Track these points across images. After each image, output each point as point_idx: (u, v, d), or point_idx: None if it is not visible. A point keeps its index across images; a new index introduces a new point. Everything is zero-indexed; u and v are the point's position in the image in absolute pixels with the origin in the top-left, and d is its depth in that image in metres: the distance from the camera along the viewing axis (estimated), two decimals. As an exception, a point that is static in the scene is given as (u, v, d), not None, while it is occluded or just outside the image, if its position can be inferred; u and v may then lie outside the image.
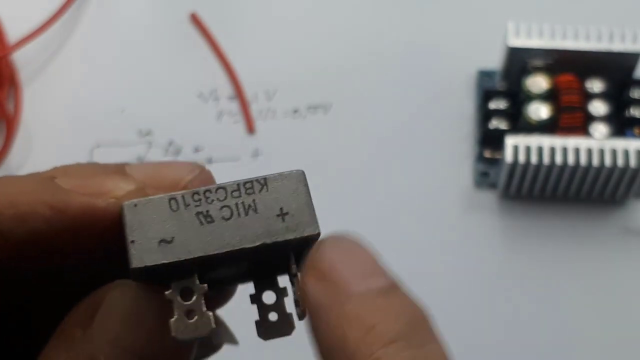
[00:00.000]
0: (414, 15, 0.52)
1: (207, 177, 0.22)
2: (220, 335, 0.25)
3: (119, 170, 0.22)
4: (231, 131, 0.48)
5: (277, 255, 0.21)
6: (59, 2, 0.51)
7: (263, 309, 0.21)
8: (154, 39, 0.52)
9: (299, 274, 0.20)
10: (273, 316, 0.21)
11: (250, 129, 0.48)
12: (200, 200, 0.20)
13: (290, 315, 0.21)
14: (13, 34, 0.50)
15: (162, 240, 0.20)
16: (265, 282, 0.22)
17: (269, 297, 0.21)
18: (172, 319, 0.19)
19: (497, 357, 0.43)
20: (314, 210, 0.20)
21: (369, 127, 0.48)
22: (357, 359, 0.18)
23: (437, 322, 0.20)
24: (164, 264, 0.19)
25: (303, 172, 0.21)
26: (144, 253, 0.20)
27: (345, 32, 0.51)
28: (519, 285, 0.44)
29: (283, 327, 0.21)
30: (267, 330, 0.21)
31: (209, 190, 0.20)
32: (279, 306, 0.21)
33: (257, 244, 0.20)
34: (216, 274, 0.21)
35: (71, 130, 0.48)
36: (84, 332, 0.20)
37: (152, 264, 0.19)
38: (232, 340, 0.26)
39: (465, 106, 0.48)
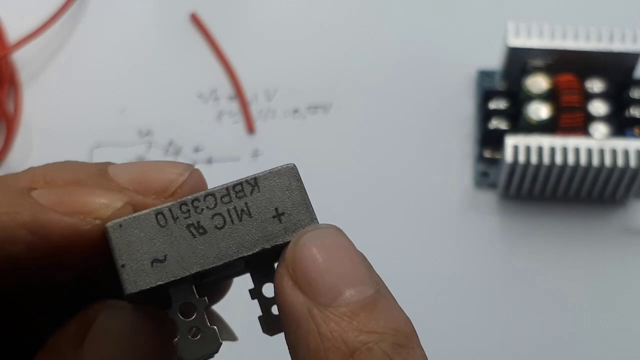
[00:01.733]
0: (414, 15, 0.52)
1: (198, 179, 0.20)
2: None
3: (102, 173, 0.20)
4: (231, 131, 0.48)
5: (273, 253, 0.20)
6: (59, 2, 0.51)
7: (265, 303, 0.20)
8: (154, 39, 0.52)
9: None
10: (276, 309, 0.20)
11: (250, 129, 0.48)
12: (189, 211, 0.19)
13: None
14: (13, 34, 0.50)
15: (155, 260, 0.19)
16: (262, 273, 0.20)
17: (269, 289, 0.20)
18: (177, 339, 0.19)
19: (497, 357, 0.43)
20: (311, 206, 0.19)
21: (369, 127, 0.48)
22: None
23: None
24: (159, 285, 0.19)
25: (295, 166, 0.20)
26: (137, 276, 0.18)
27: (346, 33, 0.51)
28: (519, 285, 0.44)
29: None
30: (272, 325, 0.20)
31: (197, 200, 0.19)
32: None
33: (256, 250, 0.19)
34: (212, 277, 0.20)
35: (71, 130, 0.48)
36: (74, 353, 0.19)
37: (147, 288, 0.18)
38: (231, 336, 0.24)
39: (465, 106, 0.48)
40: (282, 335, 0.20)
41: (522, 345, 0.43)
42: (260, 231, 0.19)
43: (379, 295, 0.18)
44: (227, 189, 0.19)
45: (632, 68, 0.46)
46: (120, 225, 0.19)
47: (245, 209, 0.19)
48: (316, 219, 0.19)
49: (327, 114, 0.49)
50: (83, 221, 0.19)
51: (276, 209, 0.19)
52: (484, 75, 0.49)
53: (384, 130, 0.48)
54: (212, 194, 0.19)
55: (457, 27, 0.51)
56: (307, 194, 0.19)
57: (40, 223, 0.19)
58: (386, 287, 0.19)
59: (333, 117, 0.49)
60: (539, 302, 0.44)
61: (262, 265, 0.20)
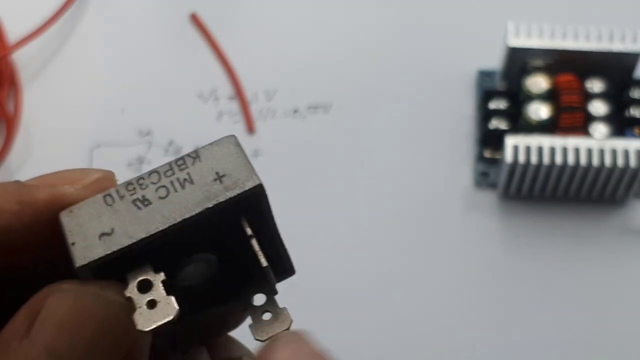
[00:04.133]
0: (414, 15, 0.52)
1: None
2: None
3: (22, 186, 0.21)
4: (231, 131, 0.47)
5: (232, 231, 0.20)
6: (59, 2, 0.51)
7: (255, 312, 0.21)
8: (154, 39, 0.52)
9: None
10: (267, 316, 0.21)
11: (250, 129, 0.48)
12: (134, 188, 0.20)
13: (284, 309, 0.21)
14: (13, 34, 0.50)
15: (103, 234, 0.19)
16: (253, 285, 0.21)
17: (259, 299, 0.21)
18: (135, 314, 0.19)
19: (497, 357, 0.43)
20: (250, 165, 0.20)
21: (369, 127, 0.48)
22: None
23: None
24: (107, 255, 0.19)
25: (234, 135, 0.20)
26: (85, 251, 0.19)
27: (345, 32, 0.51)
28: (518, 285, 0.44)
29: (279, 323, 0.20)
30: (263, 330, 0.20)
31: (142, 178, 0.20)
32: (271, 305, 0.21)
33: (198, 210, 0.19)
34: (187, 279, 0.20)
35: (71, 130, 0.48)
36: (20, 342, 0.18)
37: (95, 258, 0.19)
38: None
39: (465, 106, 0.48)
40: None
41: (522, 345, 0.43)
42: (203, 193, 0.20)
43: None
44: (169, 164, 0.20)
45: (632, 68, 0.46)
46: (71, 211, 0.20)
47: (187, 177, 0.20)
48: (256, 174, 0.20)
49: (327, 114, 0.49)
50: (67, 187, 0.20)
51: (217, 172, 0.20)
52: (484, 75, 0.49)
53: (384, 130, 0.48)
54: (156, 171, 0.20)
55: (457, 27, 0.51)
56: (247, 157, 0.20)
57: (26, 191, 0.20)
58: None
59: (333, 117, 0.49)
60: (539, 302, 0.44)
61: (250, 277, 0.21)
